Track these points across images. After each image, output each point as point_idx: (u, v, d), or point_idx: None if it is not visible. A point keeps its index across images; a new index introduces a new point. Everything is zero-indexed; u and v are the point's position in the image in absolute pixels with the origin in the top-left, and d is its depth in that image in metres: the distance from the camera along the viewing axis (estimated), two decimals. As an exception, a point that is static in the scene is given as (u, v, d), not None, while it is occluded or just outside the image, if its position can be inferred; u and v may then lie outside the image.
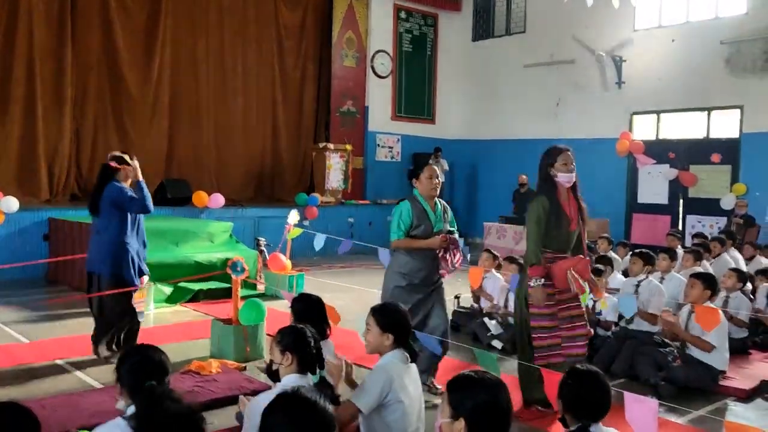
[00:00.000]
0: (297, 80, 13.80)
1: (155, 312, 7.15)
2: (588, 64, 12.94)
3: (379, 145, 14.51)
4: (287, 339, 2.88)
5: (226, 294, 7.55)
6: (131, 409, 2.45)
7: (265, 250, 8.98)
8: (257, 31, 13.09)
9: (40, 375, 4.90)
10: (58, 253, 8.77)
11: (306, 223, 10.80)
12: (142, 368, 2.49)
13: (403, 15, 14.91)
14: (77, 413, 3.94)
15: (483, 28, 15.30)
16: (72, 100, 10.89)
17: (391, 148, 14.78)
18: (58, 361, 5.20)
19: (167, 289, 7.57)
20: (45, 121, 10.56)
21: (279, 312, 6.63)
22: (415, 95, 15.20)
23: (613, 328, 5.84)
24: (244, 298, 5.95)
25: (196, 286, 7.59)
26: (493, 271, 6.52)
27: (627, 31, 12.49)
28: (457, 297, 7.03)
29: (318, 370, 2.99)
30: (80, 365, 5.12)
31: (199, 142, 12.37)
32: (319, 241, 6.56)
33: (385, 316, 3.14)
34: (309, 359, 2.89)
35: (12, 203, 8.63)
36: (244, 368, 5.11)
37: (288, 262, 8.19)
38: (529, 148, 13.88)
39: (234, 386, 4.55)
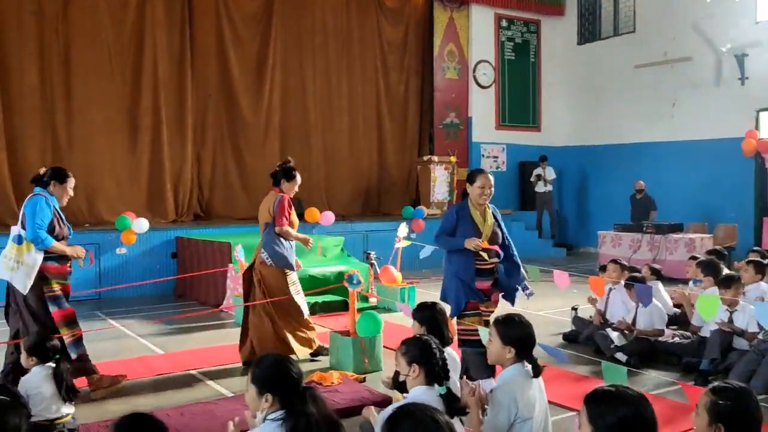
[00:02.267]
0: (400, 95, 14.00)
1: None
2: (706, 60, 12.25)
3: (483, 155, 14.42)
4: (413, 350, 2.91)
5: (340, 306, 7.80)
6: (277, 414, 2.55)
7: (376, 263, 9.14)
8: (361, 49, 13.42)
9: (176, 385, 5.23)
10: (185, 269, 9.35)
11: (413, 235, 10.89)
12: (287, 376, 2.60)
13: (504, 23, 14.79)
14: (213, 420, 4.18)
15: (589, 31, 14.89)
16: (193, 127, 11.63)
17: (496, 157, 14.65)
18: (192, 371, 5.53)
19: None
20: (170, 147, 11.34)
21: (393, 324, 6.72)
22: (520, 103, 15.01)
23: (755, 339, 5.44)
24: (359, 310, 6.08)
25: (311, 299, 7.84)
26: (622, 283, 6.26)
27: (749, 23, 11.74)
28: (574, 308, 6.84)
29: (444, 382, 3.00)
30: (212, 375, 5.43)
31: (309, 161, 12.79)
32: (425, 251, 6.63)
33: (507, 328, 3.10)
34: (435, 370, 2.91)
35: (143, 224, 9.31)
36: (364, 380, 5.22)
37: (399, 275, 8.30)
38: (643, 152, 13.36)
39: (356, 397, 4.66)
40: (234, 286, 8.00)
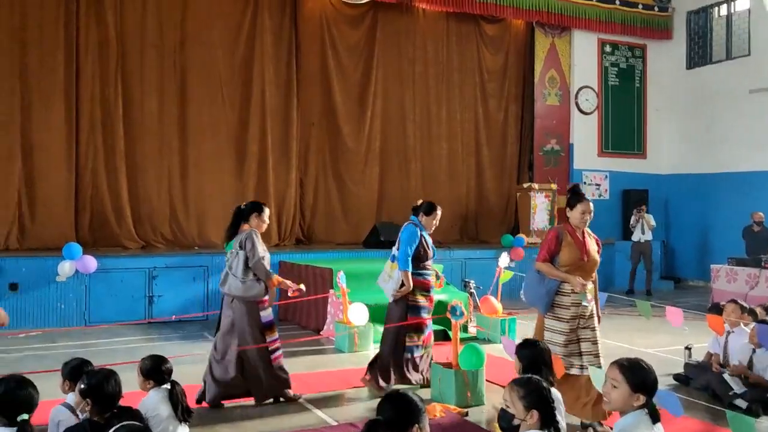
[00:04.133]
0: (500, 122, 13.89)
1: (374, 353, 7.47)
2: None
3: (585, 182, 14.00)
4: (534, 396, 2.81)
5: (438, 336, 7.72)
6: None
7: (475, 293, 9.03)
8: (461, 77, 13.45)
9: (280, 410, 5.33)
10: (287, 293, 9.53)
11: (512, 264, 10.70)
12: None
13: (608, 49, 14.41)
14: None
15: (699, 55, 14.24)
16: (297, 154, 12.02)
17: (599, 185, 14.19)
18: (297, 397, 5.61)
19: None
20: (275, 173, 11.76)
21: (494, 357, 6.59)
22: (624, 129, 14.51)
23: None
24: (462, 341, 6.00)
25: (410, 328, 7.81)
26: (741, 325, 5.88)
27: None
28: (688, 348, 6.45)
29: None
30: (316, 402, 5.50)
31: (407, 187, 12.90)
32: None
33: (637, 374, 2.91)
34: (551, 415, 2.82)
35: (250, 248, 9.63)
36: (466, 414, 5.13)
37: (499, 306, 8.15)
38: (757, 182, 12.54)
39: (459, 431, 4.59)
40: (335, 312, 8.12)
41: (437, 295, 8.20)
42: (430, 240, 6.03)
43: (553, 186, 12.86)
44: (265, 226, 5.53)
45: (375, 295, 8.00)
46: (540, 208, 12.70)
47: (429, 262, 5.95)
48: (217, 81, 11.41)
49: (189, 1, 11.18)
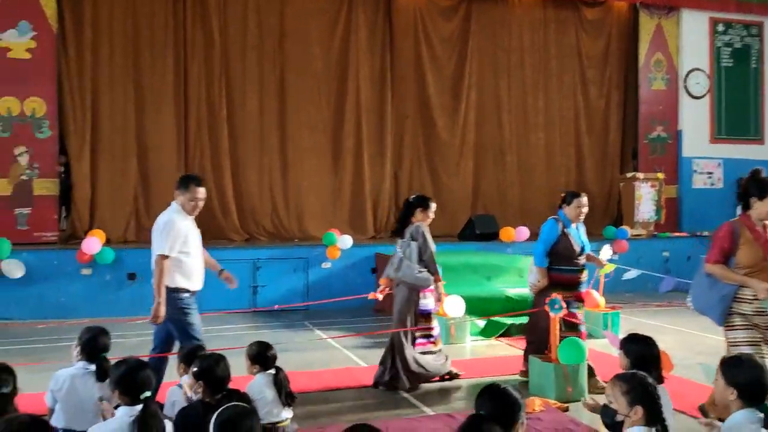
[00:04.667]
0: (601, 109, 13.40)
1: (471, 345, 7.46)
2: None
3: (695, 171, 13.27)
4: (638, 391, 2.72)
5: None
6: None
7: (576, 286, 8.75)
8: (559, 65, 13.08)
9: (378, 398, 5.43)
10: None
11: (615, 257, 10.33)
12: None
13: (720, 28, 13.54)
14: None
15: (824, 30, 13.13)
16: (391, 147, 12.11)
17: (711, 173, 13.40)
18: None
19: (481, 323, 7.85)
20: (370, 167, 11.91)
21: (596, 352, 6.39)
22: (739, 114, 13.60)
23: None
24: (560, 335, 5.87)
25: (508, 321, 7.74)
26: None
27: None
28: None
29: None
30: (414, 391, 5.55)
31: (503, 179, 12.72)
32: (630, 273, 6.26)
33: (731, 370, 2.92)
34: (657, 412, 2.71)
35: (347, 241, 9.87)
36: (566, 408, 5.02)
37: (601, 300, 7.89)
38: None
39: (560, 427, 4.50)
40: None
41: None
42: (577, 233, 5.86)
43: (660, 175, 12.27)
44: (429, 220, 5.85)
45: (472, 287, 8.02)
46: (645, 199, 12.15)
47: (578, 259, 5.74)
48: (313, 78, 11.69)
49: (287, 0, 11.51)
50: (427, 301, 5.78)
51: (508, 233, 10.81)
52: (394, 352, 5.66)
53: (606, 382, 3.16)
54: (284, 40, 11.55)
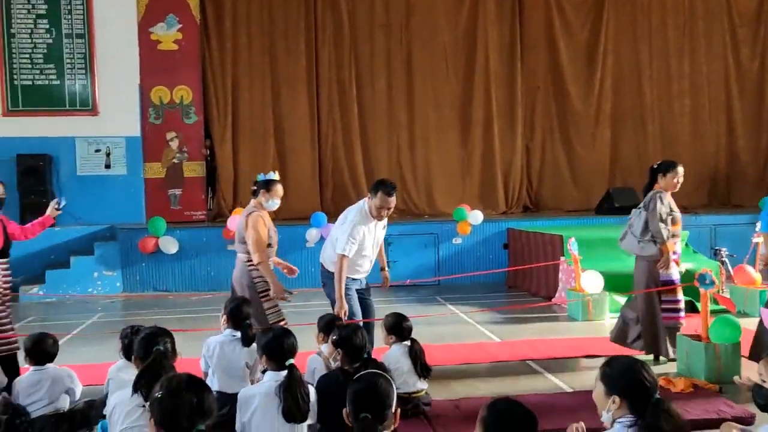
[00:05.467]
0: (754, 72, 12.32)
1: (610, 322, 7.15)
2: None
3: None
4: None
5: (685, 307, 7.14)
6: (627, 419, 2.46)
7: (727, 261, 8.16)
8: (706, 25, 12.15)
9: (513, 373, 5.35)
10: (516, 261, 9.55)
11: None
12: (639, 381, 2.47)
13: None
14: (554, 414, 4.13)
15: None
16: (522, 120, 11.83)
17: None
18: (529, 362, 5.60)
19: (621, 299, 7.49)
20: (500, 140, 11.71)
21: (749, 331, 5.90)
22: None
23: None
24: (711, 313, 5.48)
25: (651, 298, 7.32)
26: None
27: None
28: None
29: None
30: (548, 367, 5.42)
31: (644, 149, 12.08)
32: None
33: None
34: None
35: (478, 216, 9.78)
36: (719, 389, 4.68)
37: (757, 276, 7.27)
38: None
39: (711, 409, 4.19)
40: (567, 279, 7.90)
41: (683, 264, 7.62)
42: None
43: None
44: (674, 187, 5.35)
45: (610, 263, 7.66)
46: (809, 167, 10.99)
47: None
48: (441, 52, 11.63)
49: (412, -24, 11.51)
50: (671, 272, 5.38)
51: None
52: (648, 319, 5.40)
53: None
54: (411, 15, 11.57)
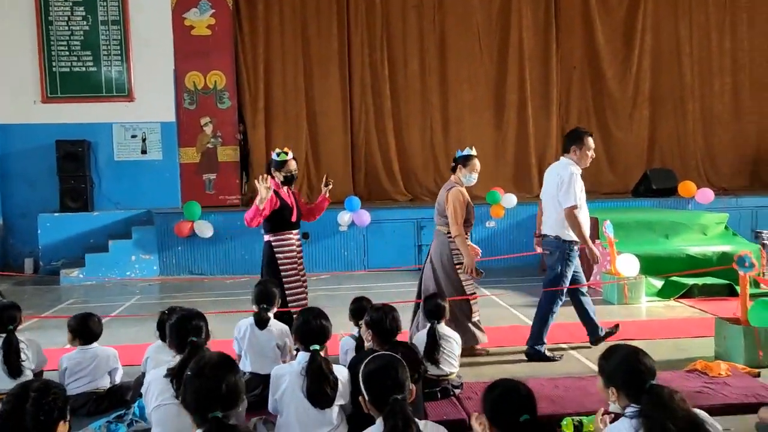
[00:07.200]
0: (807, 47, 11.86)
1: (647, 306, 7.05)
2: None
3: None
4: None
5: (724, 291, 7.02)
6: (630, 411, 2.46)
7: (769, 244, 7.93)
8: (749, -1, 11.72)
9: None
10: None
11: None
12: (634, 371, 2.49)
13: None
14: (587, 396, 4.11)
15: None
16: (557, 101, 11.62)
17: None
18: (563, 345, 5.55)
19: (658, 283, 7.37)
20: (534, 122, 11.54)
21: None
22: None
23: None
24: (750, 296, 5.35)
25: (690, 281, 7.18)
26: None
27: None
28: None
29: None
30: (582, 351, 5.38)
31: (683, 129, 11.79)
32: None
33: None
34: None
35: (512, 199, 9.68)
36: (758, 374, 4.58)
37: (802, 259, 7.06)
38: None
39: (750, 393, 4.11)
40: (602, 262, 7.77)
41: (722, 246, 7.45)
42: None
43: None
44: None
45: (647, 246, 7.56)
46: None
47: None
48: (474, 32, 11.47)
49: (446, -46, 11.35)
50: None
51: (687, 188, 9.96)
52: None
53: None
54: (444, -5, 11.43)
